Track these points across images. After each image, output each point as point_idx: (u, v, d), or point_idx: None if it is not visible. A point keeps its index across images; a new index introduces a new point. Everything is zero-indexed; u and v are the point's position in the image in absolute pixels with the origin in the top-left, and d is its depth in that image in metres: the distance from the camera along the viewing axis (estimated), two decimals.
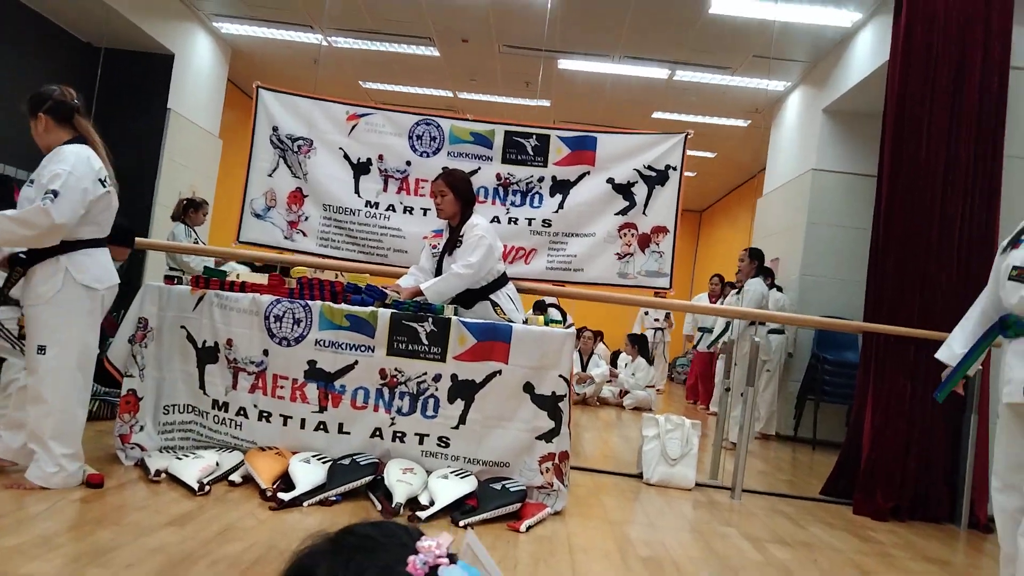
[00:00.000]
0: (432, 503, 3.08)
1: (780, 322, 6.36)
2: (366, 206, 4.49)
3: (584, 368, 8.13)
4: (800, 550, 3.31)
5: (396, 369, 3.41)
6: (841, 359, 6.65)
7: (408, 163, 4.49)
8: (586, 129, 4.57)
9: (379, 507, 3.06)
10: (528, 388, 3.39)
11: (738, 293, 7.13)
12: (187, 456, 3.31)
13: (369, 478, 3.22)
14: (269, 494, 3.03)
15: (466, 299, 3.82)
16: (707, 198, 13.99)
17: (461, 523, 2.97)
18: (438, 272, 3.89)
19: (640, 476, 4.37)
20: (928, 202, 4.40)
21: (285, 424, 3.43)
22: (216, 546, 2.46)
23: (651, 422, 4.44)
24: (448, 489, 3.18)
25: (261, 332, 3.43)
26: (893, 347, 4.38)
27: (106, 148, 2.97)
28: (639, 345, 8.61)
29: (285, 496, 3.00)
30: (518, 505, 3.19)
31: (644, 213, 4.45)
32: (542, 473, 3.36)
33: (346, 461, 3.28)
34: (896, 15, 4.69)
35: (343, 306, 3.45)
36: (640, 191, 4.46)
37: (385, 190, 4.48)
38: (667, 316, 10.17)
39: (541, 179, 4.48)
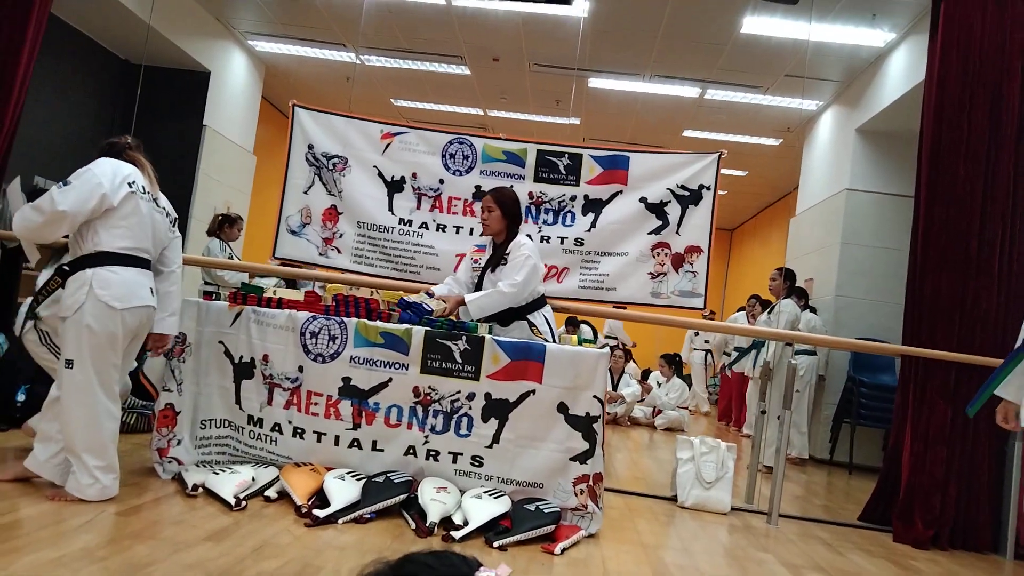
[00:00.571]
0: (466, 523, 3.06)
1: (820, 344, 6.27)
2: (400, 223, 4.52)
3: (615, 387, 8.08)
4: None
5: (430, 387, 3.41)
6: (878, 382, 6.54)
7: (441, 181, 4.52)
8: (618, 148, 4.57)
9: (413, 525, 3.05)
10: (562, 408, 3.37)
11: (769, 313, 7.06)
12: (224, 471, 3.33)
13: (403, 496, 3.21)
14: (304, 510, 3.03)
15: (504, 317, 3.80)
16: (738, 217, 13.91)
17: (495, 544, 2.95)
18: (478, 287, 3.88)
19: (674, 499, 4.31)
20: (967, 225, 4.32)
21: (319, 440, 3.45)
22: (252, 563, 2.47)
23: (686, 444, 4.39)
24: (482, 509, 3.16)
25: (297, 348, 3.46)
26: (933, 371, 4.30)
27: (155, 171, 3.02)
28: (674, 365, 8.54)
29: (320, 513, 3.00)
30: (552, 527, 3.16)
31: (677, 233, 4.44)
32: (576, 495, 3.34)
33: (380, 479, 3.28)
34: (932, 36, 4.64)
35: (378, 323, 3.46)
36: (673, 210, 4.44)
37: (418, 208, 4.51)
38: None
39: (573, 198, 4.49)
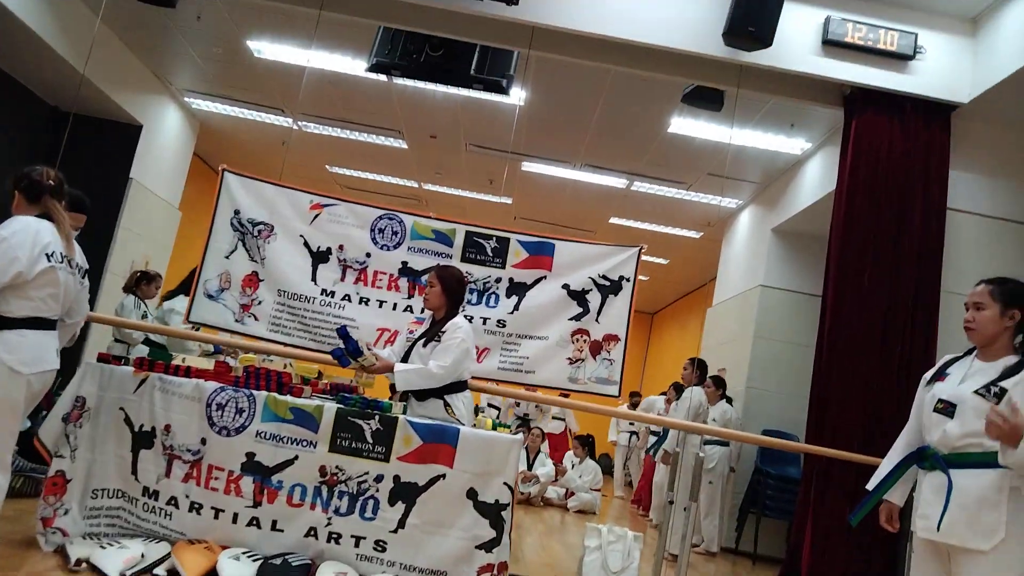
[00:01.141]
0: None
1: (725, 437, 6.40)
2: (322, 294, 4.48)
3: (530, 467, 8.05)
4: None
5: (337, 467, 3.34)
6: (784, 474, 6.70)
7: (368, 255, 4.52)
8: (545, 235, 4.68)
9: None
10: (472, 494, 3.35)
11: (676, 400, 7.21)
12: (111, 545, 3.17)
13: None
14: None
15: (421, 393, 3.76)
16: (659, 301, 14.28)
17: None
18: (406, 357, 3.86)
19: None
20: (870, 330, 4.57)
21: (216, 517, 3.32)
22: None
23: (594, 532, 4.39)
24: None
25: (201, 419, 3.35)
26: (835, 468, 4.45)
27: (71, 229, 2.93)
28: (587, 446, 8.56)
29: None
30: None
31: (597, 320, 4.53)
32: None
33: (277, 561, 3.16)
34: (843, 151, 4.99)
35: (288, 398, 3.40)
36: (594, 299, 4.55)
37: (343, 279, 4.48)
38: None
39: (499, 280, 4.55)
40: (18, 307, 2.75)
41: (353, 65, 6.45)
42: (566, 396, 5.01)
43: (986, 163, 5.07)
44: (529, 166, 8.21)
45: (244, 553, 3.20)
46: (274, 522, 3.31)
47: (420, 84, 6.56)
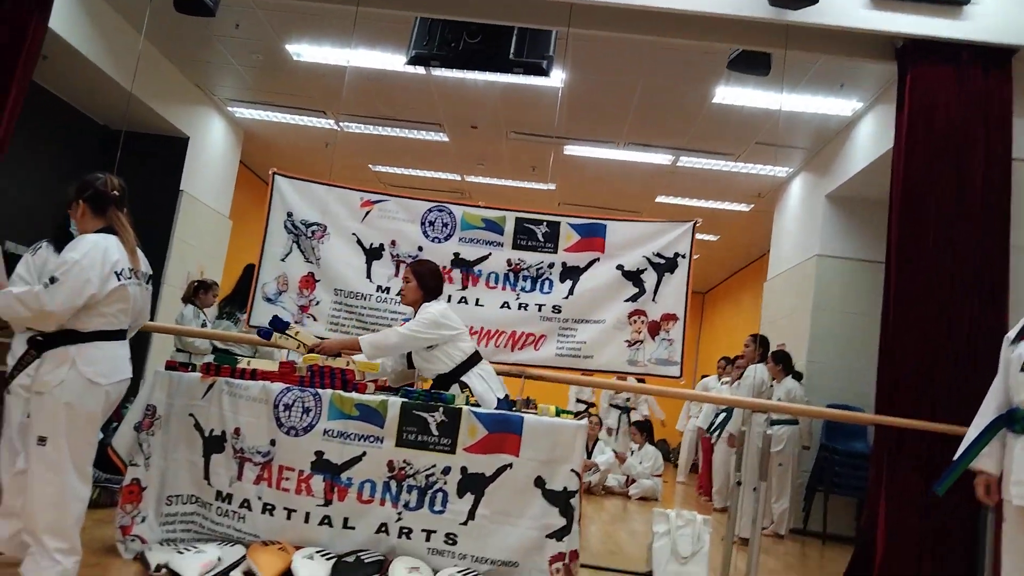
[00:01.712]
0: None
1: (790, 413, 6.26)
2: (377, 291, 4.50)
3: (589, 455, 7.99)
4: None
5: (405, 461, 3.35)
6: (851, 449, 6.54)
7: (420, 248, 4.53)
8: (595, 216, 4.62)
9: None
10: (539, 483, 3.32)
11: (739, 380, 7.06)
12: (188, 550, 3.23)
13: None
14: None
15: (439, 384, 3.80)
16: (711, 280, 14.05)
17: None
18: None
19: (650, 574, 4.22)
20: (936, 293, 4.39)
21: (289, 517, 3.35)
22: None
23: (662, 517, 4.32)
24: None
25: (269, 421, 3.39)
26: (907, 440, 4.31)
27: (137, 239, 2.97)
28: (645, 432, 8.47)
29: None
30: None
31: (654, 300, 4.46)
32: (552, 574, 3.26)
33: (350, 558, 3.19)
34: (899, 106, 4.79)
35: (353, 395, 3.41)
36: (649, 278, 4.47)
37: (396, 275, 4.49)
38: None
39: (551, 265, 4.51)
40: (91, 322, 2.81)
41: (392, 61, 6.45)
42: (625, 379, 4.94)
43: None
44: (572, 149, 8.12)
45: (317, 552, 3.24)
46: (345, 519, 3.33)
47: (459, 75, 6.54)
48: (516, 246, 4.54)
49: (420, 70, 6.51)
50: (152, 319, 5.15)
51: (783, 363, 6.50)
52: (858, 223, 7.07)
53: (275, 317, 3.80)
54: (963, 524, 4.16)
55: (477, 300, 4.50)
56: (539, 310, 4.48)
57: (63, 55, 5.87)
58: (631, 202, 9.75)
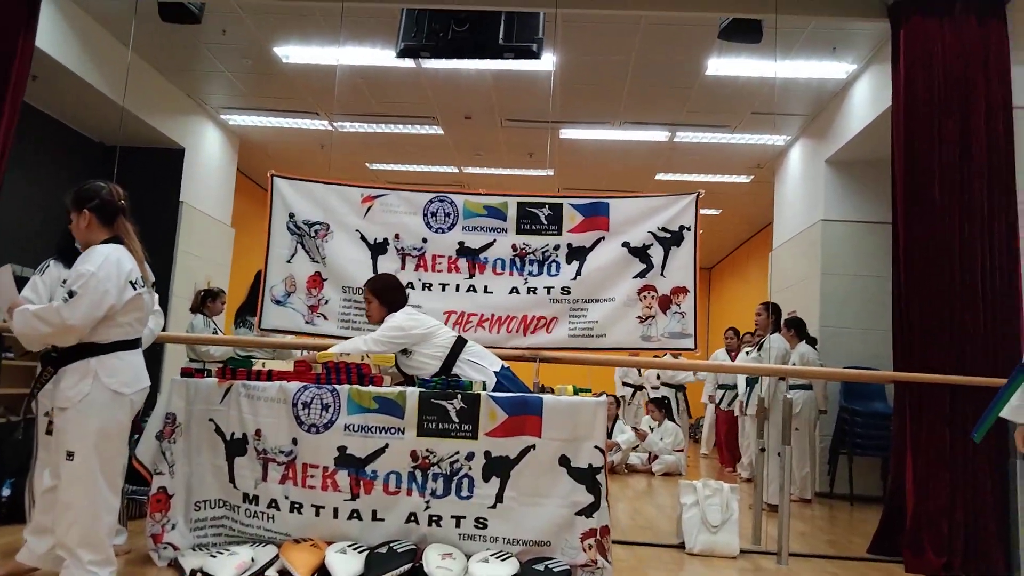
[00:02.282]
0: None
1: (809, 376, 6.25)
2: None
3: (609, 435, 7.99)
4: None
5: (427, 450, 3.35)
6: (871, 410, 6.53)
7: (424, 240, 4.52)
8: (597, 195, 4.61)
9: None
10: (564, 461, 3.32)
11: (758, 350, 7.05)
12: (221, 553, 3.24)
13: (408, 566, 3.12)
14: None
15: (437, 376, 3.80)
16: (715, 255, 14.02)
17: None
18: None
19: (681, 546, 4.23)
20: (947, 246, 4.38)
21: (318, 514, 3.36)
22: None
23: (688, 488, 4.33)
24: (490, 573, 3.08)
25: (289, 420, 3.39)
26: (928, 395, 4.30)
27: (144, 250, 2.97)
28: (664, 408, 8.47)
29: None
30: None
31: (662, 275, 4.45)
32: (585, 550, 3.26)
33: (383, 549, 3.19)
34: (894, 63, 4.76)
35: (371, 388, 3.42)
36: (656, 253, 4.46)
37: (403, 268, 4.49)
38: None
39: (557, 247, 4.50)
40: (109, 333, 2.81)
41: (381, 56, 6.43)
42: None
43: None
44: (567, 132, 8.10)
45: (350, 546, 3.24)
46: (374, 512, 3.34)
47: (449, 66, 6.52)
48: (520, 231, 4.54)
49: (410, 64, 6.49)
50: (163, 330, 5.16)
51: (796, 329, 6.49)
52: (860, 185, 7.06)
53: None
54: (993, 474, 4.15)
55: (485, 287, 4.50)
56: (548, 293, 4.48)
57: (52, 74, 5.86)
58: (630, 182, 9.71)
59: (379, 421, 3.36)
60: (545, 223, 4.52)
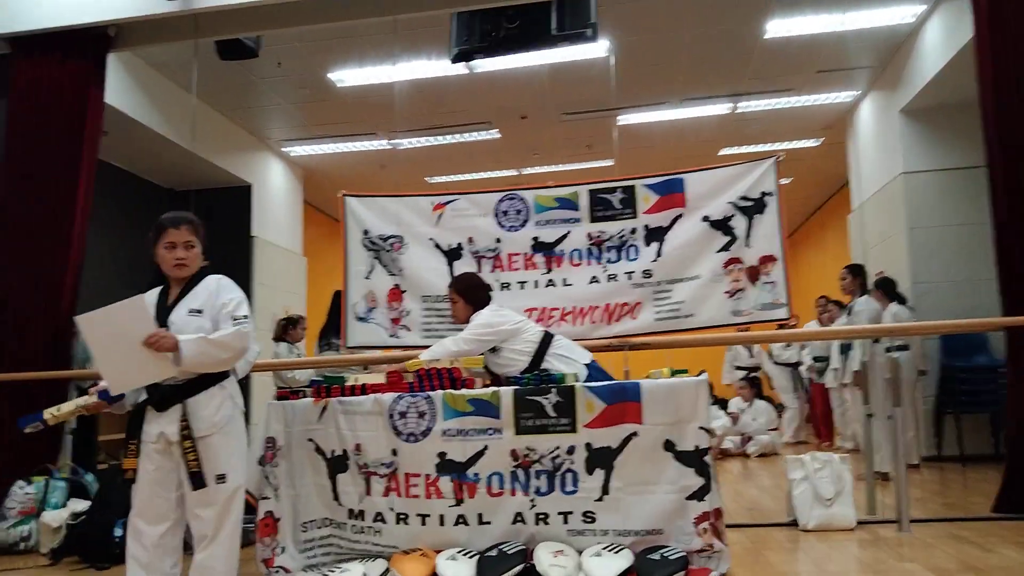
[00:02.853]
0: None
1: (911, 334, 5.94)
2: None
3: None
4: None
5: (527, 448, 3.28)
6: (974, 364, 6.19)
7: (498, 240, 4.48)
8: (670, 171, 4.47)
9: None
10: (669, 446, 3.21)
11: (848, 314, 6.76)
12: (332, 572, 3.24)
13: (520, 567, 3.07)
14: None
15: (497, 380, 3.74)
16: (791, 223, 13.58)
17: None
18: None
19: (794, 523, 4.06)
20: None
21: (424, 523, 3.33)
22: None
23: (796, 464, 4.15)
24: (604, 567, 3.00)
25: (387, 431, 3.38)
26: None
27: None
28: (755, 387, 8.21)
29: None
30: (682, 573, 2.97)
31: (747, 245, 4.29)
32: (699, 535, 3.14)
33: (493, 553, 3.14)
34: None
35: (464, 391, 3.38)
36: (739, 224, 4.30)
37: (480, 271, 4.45)
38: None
39: (634, 231, 4.39)
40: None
41: (435, 67, 6.45)
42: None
43: None
44: (625, 118, 7.96)
45: (459, 552, 3.21)
46: (480, 515, 3.29)
47: (503, 67, 6.48)
48: (594, 219, 4.44)
49: (463, 71, 6.49)
50: None
51: (886, 289, 6.21)
52: (941, 132, 6.73)
53: (20, 418, 2.93)
54: None
55: (564, 280, 4.42)
56: (629, 278, 4.37)
57: (121, 127, 6.06)
58: (694, 161, 9.35)
59: (476, 423, 3.32)
60: (619, 207, 4.42)
